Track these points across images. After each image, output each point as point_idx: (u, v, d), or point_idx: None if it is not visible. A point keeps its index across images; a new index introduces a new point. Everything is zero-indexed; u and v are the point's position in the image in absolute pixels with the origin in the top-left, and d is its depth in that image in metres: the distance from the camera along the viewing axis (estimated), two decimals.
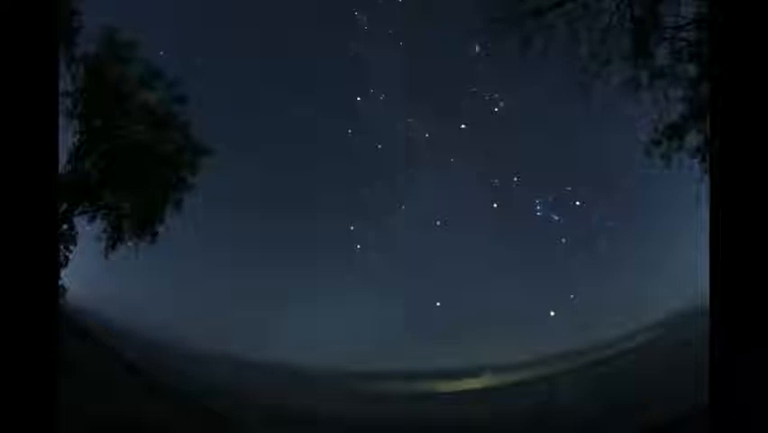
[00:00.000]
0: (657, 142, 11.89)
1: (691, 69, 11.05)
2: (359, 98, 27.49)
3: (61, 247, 14.95)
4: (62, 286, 14.13)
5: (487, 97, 24.75)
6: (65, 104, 15.15)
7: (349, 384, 24.17)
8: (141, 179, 16.12)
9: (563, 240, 27.02)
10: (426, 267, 28.93)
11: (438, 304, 27.38)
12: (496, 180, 27.96)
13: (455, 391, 23.84)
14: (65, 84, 14.92)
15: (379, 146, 28.42)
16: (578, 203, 26.37)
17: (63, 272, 14.51)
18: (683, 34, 10.84)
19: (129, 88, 16.14)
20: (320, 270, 27.98)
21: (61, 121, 14.59)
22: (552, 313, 25.54)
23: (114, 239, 16.29)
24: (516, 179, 27.31)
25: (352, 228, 27.94)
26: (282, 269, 27.87)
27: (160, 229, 16.78)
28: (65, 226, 15.38)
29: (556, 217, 26.94)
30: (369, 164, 29.04)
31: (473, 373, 24.23)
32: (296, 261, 28.18)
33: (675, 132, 11.65)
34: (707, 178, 10.53)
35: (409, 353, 25.20)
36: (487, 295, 27.41)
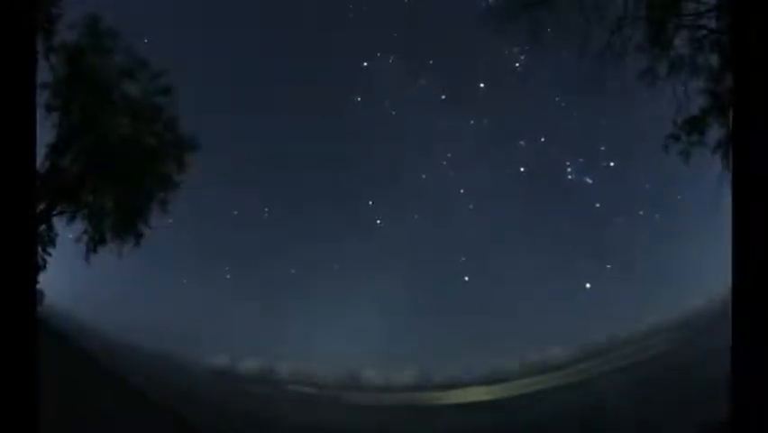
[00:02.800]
0: (676, 137, 11.84)
1: (713, 59, 11.02)
2: (365, 63, 26.34)
3: (39, 249, 14.92)
4: (40, 291, 14.11)
5: (506, 53, 23.49)
6: (43, 96, 15.15)
7: (350, 392, 23.65)
8: (125, 176, 16.07)
9: (597, 205, 25.68)
10: (450, 240, 27.73)
11: (467, 279, 26.37)
12: (522, 142, 26.59)
13: (474, 400, 22.99)
14: (43, 75, 14.90)
15: (393, 113, 27.12)
16: (612, 164, 24.85)
17: (41, 276, 14.49)
18: (704, 22, 10.84)
19: (111, 79, 16.10)
20: (335, 251, 26.97)
21: (39, 114, 14.56)
22: (587, 285, 24.60)
23: (95, 241, 16.25)
24: (542, 139, 25.88)
25: (370, 204, 27.00)
26: (287, 260, 27.07)
27: (145, 230, 16.80)
28: (43, 227, 15.36)
29: (589, 181, 25.57)
30: (382, 133, 27.64)
31: (499, 379, 23.37)
32: (300, 252, 27.27)
33: (694, 126, 11.59)
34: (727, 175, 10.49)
35: (422, 352, 24.53)
36: (517, 269, 26.10)
